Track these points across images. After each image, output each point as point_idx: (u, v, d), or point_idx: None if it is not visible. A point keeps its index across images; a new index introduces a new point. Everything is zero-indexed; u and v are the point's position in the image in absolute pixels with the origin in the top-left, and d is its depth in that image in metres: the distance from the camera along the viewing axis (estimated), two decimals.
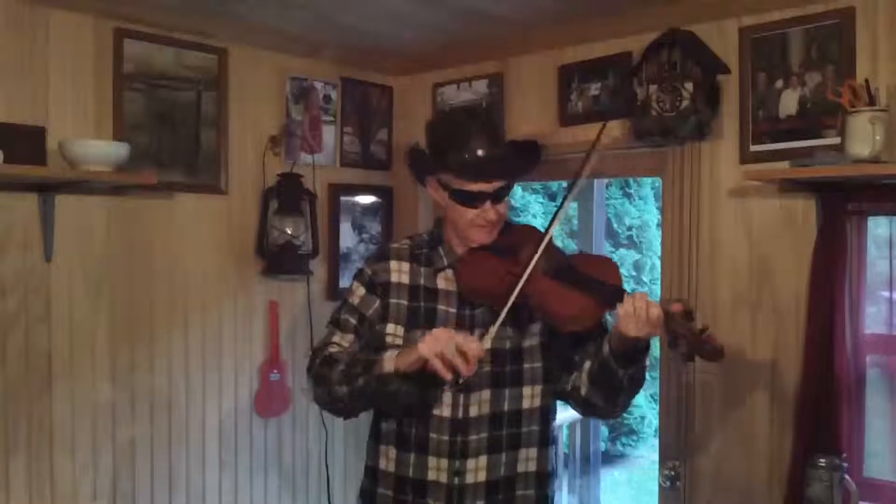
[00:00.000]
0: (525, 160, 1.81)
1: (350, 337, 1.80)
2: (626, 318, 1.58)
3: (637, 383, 1.71)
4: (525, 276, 1.66)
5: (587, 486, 4.53)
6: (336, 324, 1.84)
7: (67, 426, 2.50)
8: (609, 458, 7.15)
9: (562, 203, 1.76)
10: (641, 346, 1.63)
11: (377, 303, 1.81)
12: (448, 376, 1.55)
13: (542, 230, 1.78)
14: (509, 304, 1.65)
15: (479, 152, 1.71)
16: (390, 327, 1.79)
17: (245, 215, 2.95)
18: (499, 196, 1.74)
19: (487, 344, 1.61)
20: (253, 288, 2.98)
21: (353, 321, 1.81)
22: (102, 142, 2.48)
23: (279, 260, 2.96)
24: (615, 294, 1.63)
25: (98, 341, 2.57)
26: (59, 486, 2.48)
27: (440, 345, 1.55)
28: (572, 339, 1.77)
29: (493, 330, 1.64)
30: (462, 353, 1.54)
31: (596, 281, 1.67)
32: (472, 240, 1.78)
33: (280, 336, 3.04)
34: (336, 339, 1.81)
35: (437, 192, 1.80)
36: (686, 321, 1.55)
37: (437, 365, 1.55)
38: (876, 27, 2.16)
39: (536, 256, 1.68)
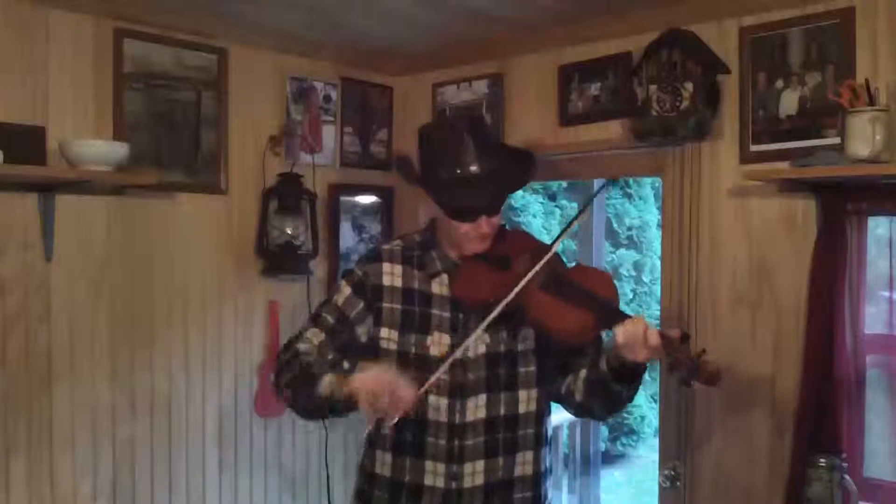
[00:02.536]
0: (519, 173, 1.78)
1: (322, 336, 1.79)
2: (626, 344, 1.58)
3: (635, 392, 1.71)
4: (511, 296, 1.65)
5: (587, 486, 4.54)
6: (315, 319, 1.83)
7: (67, 426, 2.50)
8: (609, 458, 7.16)
9: (561, 233, 1.77)
10: (640, 367, 1.63)
11: (361, 305, 1.79)
12: (371, 420, 1.57)
13: (535, 235, 1.79)
14: (485, 324, 1.65)
15: (472, 168, 1.70)
16: (384, 332, 1.78)
17: (245, 215, 2.95)
18: (492, 210, 1.74)
19: (422, 391, 1.59)
20: (253, 288, 2.98)
21: (331, 320, 1.80)
22: (102, 142, 2.48)
23: (279, 260, 2.96)
24: (614, 314, 1.63)
25: (98, 341, 2.57)
26: (59, 486, 2.48)
27: (374, 386, 1.54)
28: (567, 347, 1.77)
29: (434, 377, 1.63)
30: (394, 400, 1.53)
31: (594, 297, 1.66)
32: (467, 249, 1.77)
33: (280, 336, 3.03)
34: (309, 335, 1.81)
35: (430, 201, 1.79)
36: (683, 345, 1.57)
37: (365, 407, 1.54)
38: (876, 27, 2.15)
39: (532, 272, 1.67)
